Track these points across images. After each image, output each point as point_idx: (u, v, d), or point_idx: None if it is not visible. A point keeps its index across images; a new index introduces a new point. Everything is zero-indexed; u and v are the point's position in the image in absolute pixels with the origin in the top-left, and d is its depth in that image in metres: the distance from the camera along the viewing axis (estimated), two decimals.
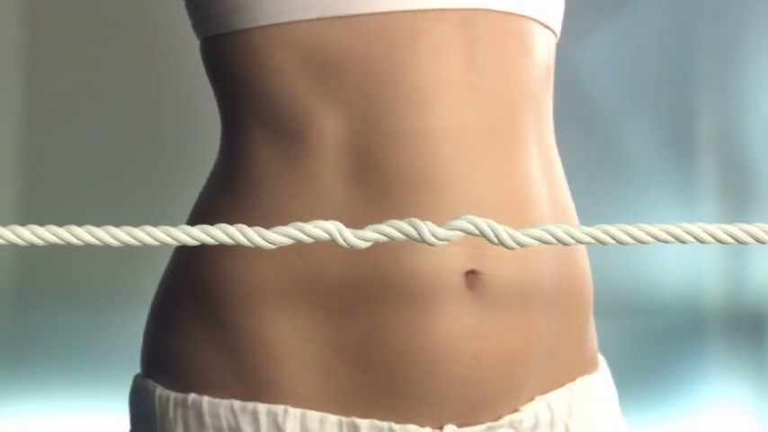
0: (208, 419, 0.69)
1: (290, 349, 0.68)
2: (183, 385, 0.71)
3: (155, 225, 0.55)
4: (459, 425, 0.68)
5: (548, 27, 0.72)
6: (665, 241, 0.56)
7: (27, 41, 1.71)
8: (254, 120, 0.70)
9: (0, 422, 1.69)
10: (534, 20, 0.70)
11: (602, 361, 0.76)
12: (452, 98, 0.67)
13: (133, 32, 1.70)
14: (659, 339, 1.77)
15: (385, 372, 0.67)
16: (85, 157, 1.70)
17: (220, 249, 0.66)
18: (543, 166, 0.71)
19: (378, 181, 0.67)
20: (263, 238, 0.55)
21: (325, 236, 0.55)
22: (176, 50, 1.61)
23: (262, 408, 0.68)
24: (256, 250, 0.58)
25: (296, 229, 0.55)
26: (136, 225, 0.56)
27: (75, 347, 1.69)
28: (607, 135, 1.77)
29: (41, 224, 0.56)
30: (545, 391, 0.70)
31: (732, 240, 0.56)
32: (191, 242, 0.55)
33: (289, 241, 0.55)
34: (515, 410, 0.69)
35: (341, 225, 0.55)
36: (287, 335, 0.68)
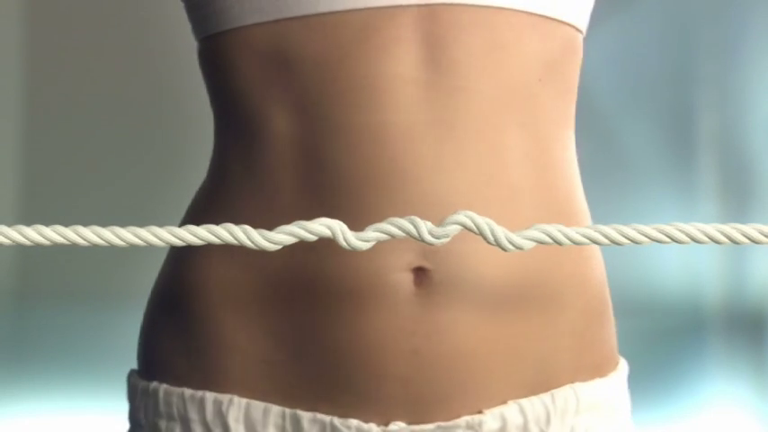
0: (162, 407, 0.72)
1: (238, 341, 0.69)
2: (150, 374, 0.74)
3: (156, 225, 0.55)
4: (410, 422, 0.67)
5: (548, 17, 0.69)
6: (659, 241, 0.56)
7: (27, 41, 1.71)
8: (227, 121, 0.73)
9: (0, 422, 1.69)
10: (518, 11, 0.68)
11: (619, 368, 0.74)
12: (402, 94, 0.67)
13: (133, 32, 1.70)
14: (659, 339, 1.77)
15: (325, 366, 0.68)
16: (85, 157, 1.70)
17: (199, 249, 0.67)
18: (531, 161, 0.69)
19: (325, 177, 0.68)
20: (265, 239, 0.55)
21: (328, 233, 0.55)
22: (177, 50, 1.61)
23: (209, 396, 0.70)
24: (222, 249, 0.59)
25: (299, 227, 0.55)
26: (136, 225, 0.56)
27: (75, 347, 1.69)
28: (607, 135, 1.77)
29: (41, 224, 0.56)
30: (525, 395, 0.69)
31: (726, 240, 0.56)
32: (197, 242, 0.55)
33: (291, 239, 0.55)
34: (479, 412, 0.68)
35: (344, 226, 0.55)
36: (236, 327, 0.70)
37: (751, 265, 1.78)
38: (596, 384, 0.71)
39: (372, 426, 0.67)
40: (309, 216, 0.64)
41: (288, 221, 0.61)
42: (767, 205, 1.77)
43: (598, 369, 0.72)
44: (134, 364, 0.78)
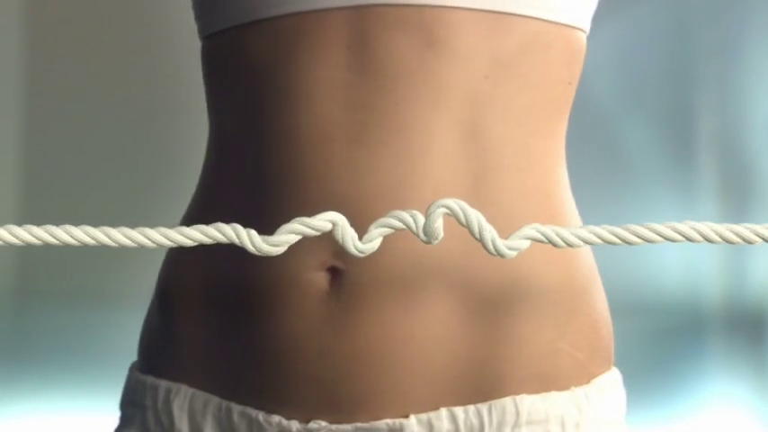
0: (130, 395, 0.75)
1: (188, 336, 0.72)
2: (137, 364, 0.77)
3: (157, 225, 0.55)
4: (332, 422, 0.67)
5: (496, 12, 0.67)
6: (629, 242, 0.56)
7: (27, 41, 1.71)
8: (211, 126, 0.75)
9: (0, 422, 1.69)
10: (456, 8, 0.66)
11: (593, 383, 0.71)
12: (321, 97, 0.67)
13: (134, 32, 1.70)
14: (659, 339, 1.77)
15: (249, 364, 0.69)
16: (86, 157, 1.70)
17: (180, 250, 0.69)
18: (468, 162, 0.68)
19: (252, 179, 0.69)
20: (268, 244, 0.55)
21: (330, 227, 0.55)
22: (178, 51, 1.61)
23: (163, 384, 0.72)
24: (191, 249, 0.60)
25: (301, 224, 0.55)
26: (137, 225, 0.56)
27: (76, 347, 1.69)
28: (607, 135, 1.77)
29: (41, 224, 0.56)
30: (462, 403, 0.67)
31: (700, 238, 0.56)
32: (207, 241, 0.55)
33: (295, 236, 0.55)
34: (406, 416, 0.67)
35: (354, 234, 0.55)
36: (187, 322, 0.72)
37: (751, 265, 1.78)
38: (545, 398, 0.68)
39: (294, 423, 0.68)
40: (241, 218, 0.66)
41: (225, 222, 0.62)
42: (767, 205, 1.77)
43: (555, 382, 0.69)
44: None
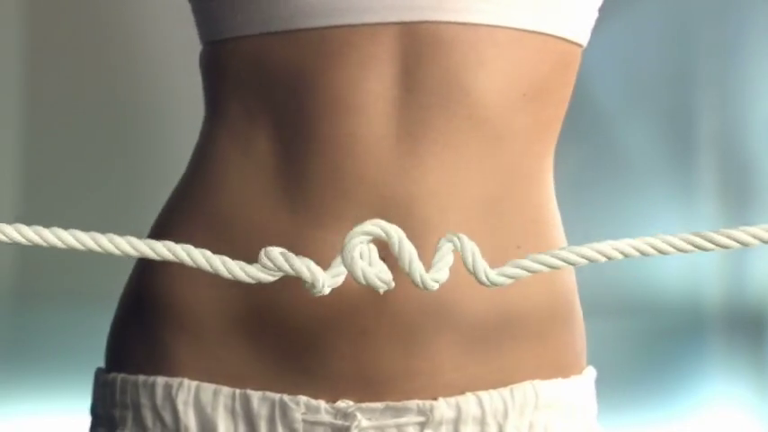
0: (117, 396, 0.73)
1: (187, 323, 0.71)
2: (110, 366, 0.76)
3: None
4: (359, 401, 0.69)
5: (537, 32, 0.70)
6: (604, 256, 0.57)
7: (27, 41, 1.71)
8: (215, 123, 0.75)
9: (0, 422, 1.69)
10: (504, 27, 0.69)
11: (584, 373, 0.75)
12: (373, 110, 0.69)
13: (135, 33, 1.70)
14: (659, 339, 1.77)
15: (274, 345, 0.69)
16: (86, 158, 1.70)
17: None
18: (503, 173, 0.71)
19: (296, 181, 0.70)
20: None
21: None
22: (178, 52, 1.61)
23: (160, 381, 0.71)
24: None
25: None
26: (139, 226, 0.56)
27: (76, 348, 1.68)
28: (607, 135, 1.77)
29: (41, 224, 0.56)
30: (484, 389, 0.70)
31: (657, 250, 0.56)
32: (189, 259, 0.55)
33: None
34: (435, 399, 0.69)
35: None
36: (188, 311, 0.71)
37: (751, 265, 1.78)
38: (556, 383, 0.73)
39: (321, 402, 0.69)
40: (278, 216, 0.69)
41: (261, 221, 0.63)
42: (767, 205, 1.77)
43: (559, 370, 0.73)
44: None
